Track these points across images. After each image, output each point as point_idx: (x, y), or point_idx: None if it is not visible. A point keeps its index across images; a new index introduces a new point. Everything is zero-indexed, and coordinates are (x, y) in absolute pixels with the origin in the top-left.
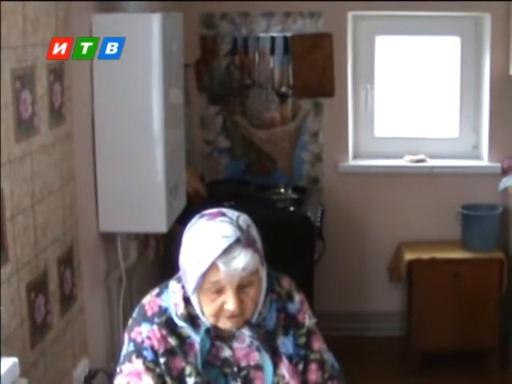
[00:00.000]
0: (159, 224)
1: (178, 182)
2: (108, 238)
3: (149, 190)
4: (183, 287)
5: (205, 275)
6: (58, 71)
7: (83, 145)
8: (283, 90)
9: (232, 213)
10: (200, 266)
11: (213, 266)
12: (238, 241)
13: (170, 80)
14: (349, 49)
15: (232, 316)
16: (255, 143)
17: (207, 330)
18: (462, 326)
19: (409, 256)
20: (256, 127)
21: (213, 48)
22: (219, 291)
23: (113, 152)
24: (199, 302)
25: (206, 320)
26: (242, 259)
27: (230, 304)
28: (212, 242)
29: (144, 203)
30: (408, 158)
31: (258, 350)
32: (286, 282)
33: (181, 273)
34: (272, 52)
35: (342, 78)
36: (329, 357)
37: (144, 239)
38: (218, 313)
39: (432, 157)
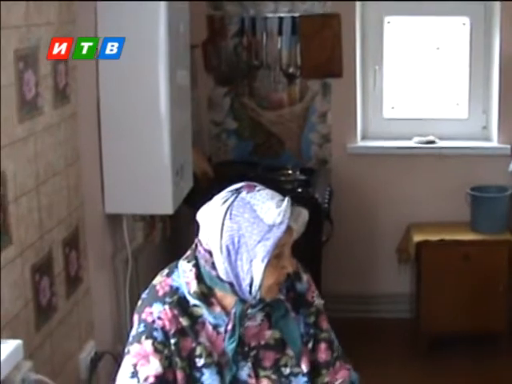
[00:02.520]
0: (165, 205)
1: (184, 163)
2: (114, 220)
3: (155, 171)
4: (195, 266)
5: (279, 240)
6: None
7: (88, 126)
8: (291, 70)
9: (256, 183)
10: (276, 231)
11: (287, 228)
12: (290, 201)
13: (177, 61)
14: (357, 29)
15: (282, 282)
16: (263, 124)
17: (241, 312)
18: (471, 308)
19: (418, 237)
20: (264, 108)
21: (220, 29)
22: (278, 256)
23: (118, 133)
24: (263, 273)
25: (259, 293)
26: (304, 214)
27: (289, 265)
28: (276, 206)
29: (150, 184)
30: (417, 139)
31: (269, 327)
32: (293, 262)
33: (217, 255)
34: (280, 33)
35: (351, 59)
36: (334, 337)
37: (150, 221)
38: (277, 280)
39: (441, 138)
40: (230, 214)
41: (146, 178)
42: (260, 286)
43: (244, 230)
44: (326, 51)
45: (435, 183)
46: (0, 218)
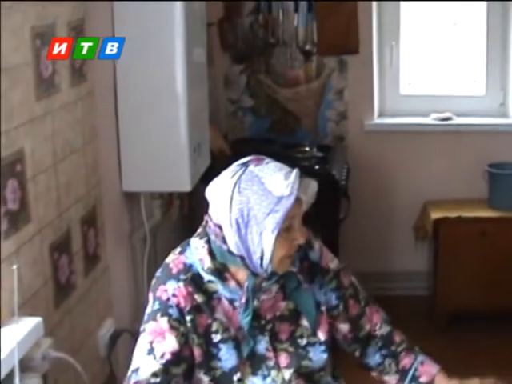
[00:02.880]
0: (183, 183)
1: (201, 140)
2: (131, 198)
3: (172, 148)
4: (207, 242)
5: (288, 211)
6: (78, 29)
7: (105, 103)
8: (307, 47)
9: (265, 157)
10: (284, 203)
11: (296, 200)
12: (299, 172)
13: (193, 39)
14: (374, 5)
15: (294, 254)
16: (279, 102)
17: (253, 286)
18: (488, 285)
19: (435, 215)
20: (280, 85)
21: (236, 6)
22: (289, 228)
23: (135, 111)
24: (274, 245)
25: (271, 266)
26: (313, 185)
27: (300, 237)
28: (284, 178)
29: (168, 162)
30: (434, 116)
31: (283, 298)
32: (304, 233)
33: (227, 229)
34: (296, 10)
35: (367, 35)
36: (358, 286)
37: (168, 198)
38: (288, 252)
39: (458, 115)
40: (239, 188)
41: (163, 155)
42: (271, 259)
43: (253, 202)
44: (342, 28)
45: (452, 160)
46: (19, 196)
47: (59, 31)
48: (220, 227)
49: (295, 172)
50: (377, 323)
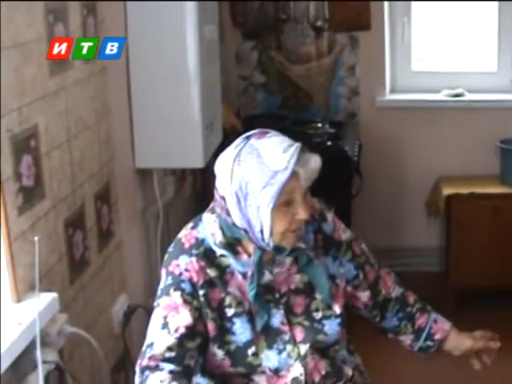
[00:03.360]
0: (196, 159)
1: (214, 117)
2: (144, 174)
3: (185, 125)
4: (221, 218)
5: (284, 186)
6: (90, 6)
7: (117, 80)
8: (319, 23)
9: (272, 131)
10: (280, 177)
11: (293, 174)
12: (301, 147)
13: (205, 16)
14: None
15: (297, 229)
16: (291, 78)
17: (260, 257)
18: (501, 262)
19: (447, 191)
20: (292, 62)
21: None
22: (289, 202)
23: (148, 88)
24: (271, 220)
25: (272, 240)
26: (315, 160)
27: (302, 212)
28: (283, 152)
29: (180, 138)
30: (446, 92)
31: (298, 271)
32: (316, 203)
33: (229, 201)
34: None
35: (379, 11)
36: (367, 251)
37: (181, 175)
38: (289, 227)
39: (470, 91)
40: (239, 160)
41: (176, 131)
42: (271, 233)
43: (250, 175)
44: (353, 4)
45: (464, 136)
46: (34, 172)
47: (72, 7)
48: (224, 200)
49: (295, 146)
50: (390, 286)
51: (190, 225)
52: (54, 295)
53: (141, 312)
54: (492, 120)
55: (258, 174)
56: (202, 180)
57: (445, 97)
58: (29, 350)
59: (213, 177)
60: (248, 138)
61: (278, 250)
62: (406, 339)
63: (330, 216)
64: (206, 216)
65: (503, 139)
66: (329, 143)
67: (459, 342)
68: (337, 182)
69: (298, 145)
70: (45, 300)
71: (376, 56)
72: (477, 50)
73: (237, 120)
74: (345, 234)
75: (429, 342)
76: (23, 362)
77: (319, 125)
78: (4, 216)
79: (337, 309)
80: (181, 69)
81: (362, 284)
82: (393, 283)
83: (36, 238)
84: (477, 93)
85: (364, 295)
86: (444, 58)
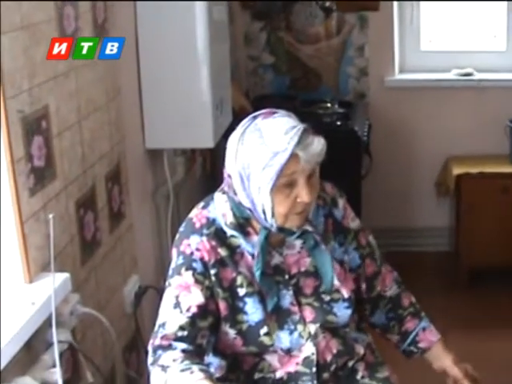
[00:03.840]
0: (206, 139)
1: (224, 97)
2: (155, 155)
3: (195, 105)
4: (229, 198)
5: (283, 168)
6: None
7: (127, 61)
8: (327, 4)
9: (281, 110)
10: (279, 158)
11: (292, 156)
12: (305, 129)
13: None
14: None
15: (301, 211)
16: (300, 59)
17: (266, 237)
18: (510, 241)
19: (457, 170)
20: (300, 42)
21: None
22: (291, 185)
23: (158, 68)
24: (272, 201)
25: (275, 221)
26: (317, 144)
27: (304, 195)
28: (284, 133)
29: (190, 119)
30: (455, 71)
31: (308, 254)
32: (330, 188)
33: (235, 180)
34: None
35: None
36: (374, 245)
37: (191, 155)
38: (291, 209)
39: (479, 70)
40: (243, 140)
41: (186, 112)
42: (272, 214)
43: (252, 156)
44: None
45: (474, 116)
46: (45, 153)
47: None
48: (231, 178)
49: (297, 128)
50: (388, 284)
51: (201, 204)
52: (66, 275)
53: (152, 292)
54: (501, 99)
55: (259, 155)
56: (212, 161)
57: (454, 76)
58: (42, 329)
59: (223, 157)
60: (255, 117)
61: (284, 231)
62: (392, 338)
63: (341, 202)
64: (218, 196)
65: None
66: (338, 123)
67: (440, 357)
68: (346, 162)
69: (300, 127)
70: (57, 280)
71: (385, 36)
72: (486, 29)
73: (246, 100)
74: (353, 223)
75: (412, 348)
76: (36, 342)
77: (328, 105)
78: (16, 197)
79: (345, 293)
80: (190, 49)
81: (361, 275)
82: (391, 282)
83: (51, 216)
84: (486, 72)
85: (361, 287)
86: (453, 38)
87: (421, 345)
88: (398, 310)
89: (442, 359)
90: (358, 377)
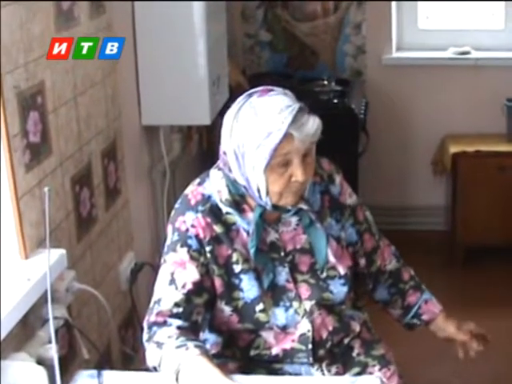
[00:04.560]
0: (202, 116)
1: (220, 74)
2: (151, 132)
3: (192, 82)
4: (225, 174)
5: (277, 147)
6: None
7: (124, 36)
8: None
9: (278, 88)
10: (273, 138)
11: (286, 136)
12: (301, 109)
13: None
14: None
15: (296, 190)
16: (297, 36)
17: (261, 214)
18: (506, 220)
19: (453, 149)
20: (297, 20)
21: None
22: (286, 164)
23: (154, 45)
24: (266, 180)
25: (269, 199)
26: (312, 123)
27: (299, 174)
28: (278, 112)
29: (187, 95)
30: (452, 50)
31: (304, 231)
32: (326, 164)
33: (230, 158)
34: None
35: None
36: (371, 220)
37: (187, 132)
38: (286, 188)
39: (477, 49)
40: (237, 118)
41: (182, 89)
42: (267, 192)
43: (246, 134)
44: None
45: (471, 94)
46: (40, 129)
47: None
48: (226, 155)
49: (292, 107)
50: (387, 258)
51: (197, 181)
52: (62, 251)
53: (147, 269)
54: (499, 78)
55: (253, 134)
56: (208, 138)
57: (451, 54)
58: (37, 306)
59: (219, 135)
60: (250, 94)
61: (279, 208)
62: (395, 313)
63: (338, 178)
64: (214, 173)
65: (510, 97)
66: (335, 101)
67: (444, 326)
68: (343, 140)
69: (295, 106)
70: (53, 256)
71: (382, 14)
72: (483, 7)
73: (243, 78)
74: (351, 199)
75: (415, 320)
76: (32, 318)
77: (325, 83)
78: (11, 173)
79: (341, 269)
80: (187, 25)
81: (359, 251)
82: (390, 256)
83: (46, 189)
84: (483, 50)
85: (361, 262)
86: (450, 16)
87: (424, 317)
88: (399, 285)
89: (446, 329)
90: (354, 354)
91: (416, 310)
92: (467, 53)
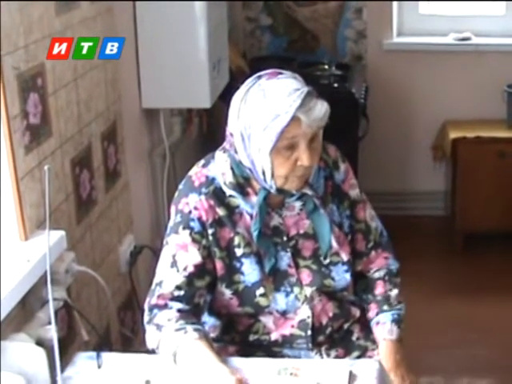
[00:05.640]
0: (203, 99)
1: (221, 57)
2: (151, 114)
3: (192, 64)
4: (230, 156)
5: (284, 130)
6: None
7: (124, 20)
8: None
9: (287, 72)
10: (280, 120)
11: (294, 119)
12: (309, 93)
13: None
14: None
15: (301, 174)
16: (298, 20)
17: (265, 198)
18: (506, 205)
19: (453, 134)
20: (298, 4)
21: None
22: (292, 147)
23: (155, 28)
24: (271, 163)
25: (274, 182)
26: (320, 108)
27: (305, 159)
28: (287, 95)
29: (187, 78)
30: (453, 35)
31: (308, 217)
32: (332, 150)
33: (236, 139)
34: None
35: None
36: (377, 225)
37: (187, 115)
38: (291, 172)
39: (477, 35)
40: (246, 99)
41: (183, 71)
42: (272, 175)
43: (254, 116)
44: None
45: (471, 80)
46: (40, 110)
47: None
48: (232, 136)
49: (301, 91)
50: (373, 268)
51: (202, 162)
52: (61, 233)
53: (147, 252)
54: (499, 64)
55: (261, 115)
56: (208, 121)
57: (452, 40)
58: (37, 287)
59: (219, 119)
60: (260, 77)
61: (283, 192)
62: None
63: (343, 166)
64: (219, 155)
65: (510, 83)
66: (335, 85)
67: (383, 357)
68: (343, 124)
69: (304, 89)
70: (53, 238)
71: None
72: None
73: (243, 61)
74: (353, 191)
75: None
76: (31, 300)
77: (326, 67)
78: (11, 154)
79: (344, 256)
80: (188, 8)
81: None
82: (378, 267)
83: (46, 167)
84: (484, 36)
85: (343, 254)
86: (451, 1)
87: (374, 335)
88: (368, 294)
89: (384, 361)
90: (354, 338)
91: (371, 325)
92: (468, 38)
